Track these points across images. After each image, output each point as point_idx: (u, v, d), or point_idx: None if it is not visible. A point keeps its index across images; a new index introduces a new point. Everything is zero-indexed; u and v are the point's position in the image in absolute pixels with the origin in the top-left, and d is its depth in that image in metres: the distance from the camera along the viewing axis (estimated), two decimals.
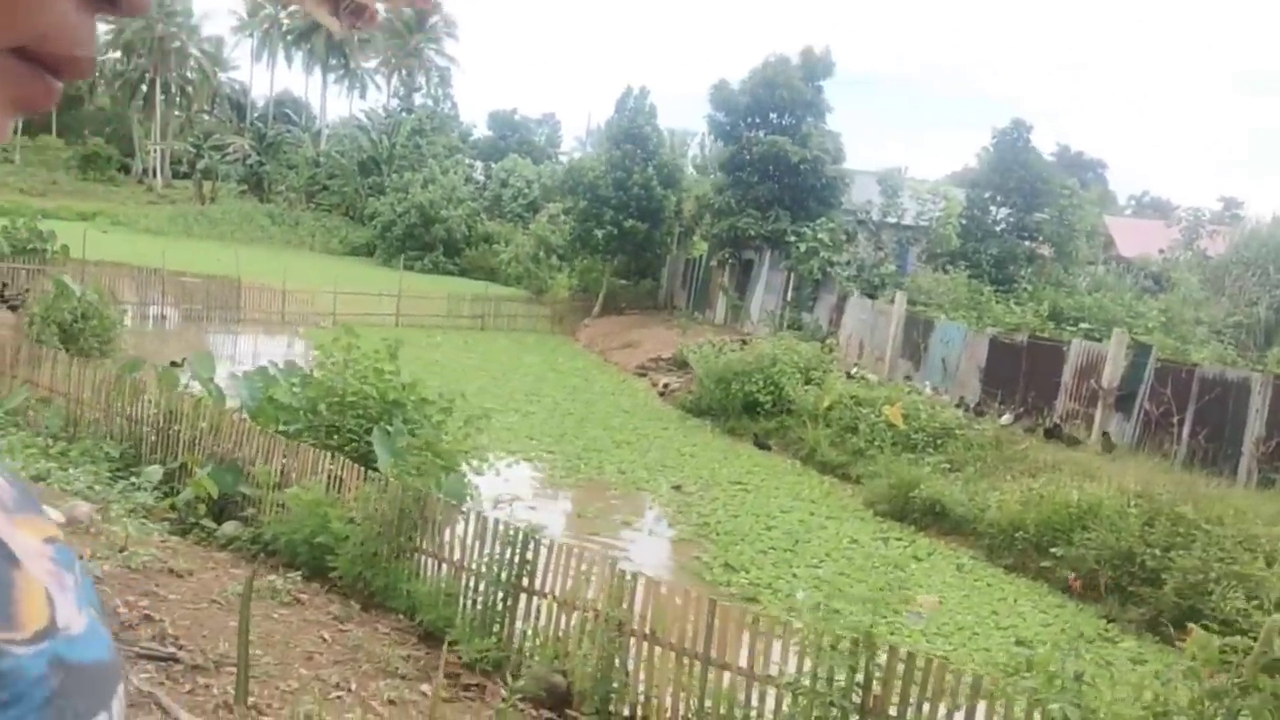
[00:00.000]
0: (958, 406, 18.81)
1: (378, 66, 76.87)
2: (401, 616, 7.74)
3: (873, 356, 23.25)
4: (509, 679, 7.00)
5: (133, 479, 9.63)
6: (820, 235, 25.70)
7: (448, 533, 7.87)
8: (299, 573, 7.96)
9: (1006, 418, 17.46)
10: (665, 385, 24.82)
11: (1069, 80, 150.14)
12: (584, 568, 7.15)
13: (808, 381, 20.55)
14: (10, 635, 0.41)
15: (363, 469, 8.58)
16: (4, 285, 23.63)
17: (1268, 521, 11.98)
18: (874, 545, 14.17)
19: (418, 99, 69.47)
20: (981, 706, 5.62)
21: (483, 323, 32.74)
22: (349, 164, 61.17)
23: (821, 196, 27.72)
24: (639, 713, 6.76)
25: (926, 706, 5.85)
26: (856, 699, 6.02)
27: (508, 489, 15.64)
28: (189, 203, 62.88)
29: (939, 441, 17.08)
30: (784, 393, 20.40)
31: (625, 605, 6.85)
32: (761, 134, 28.32)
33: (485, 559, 7.43)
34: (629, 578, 6.89)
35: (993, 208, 27.07)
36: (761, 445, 19.81)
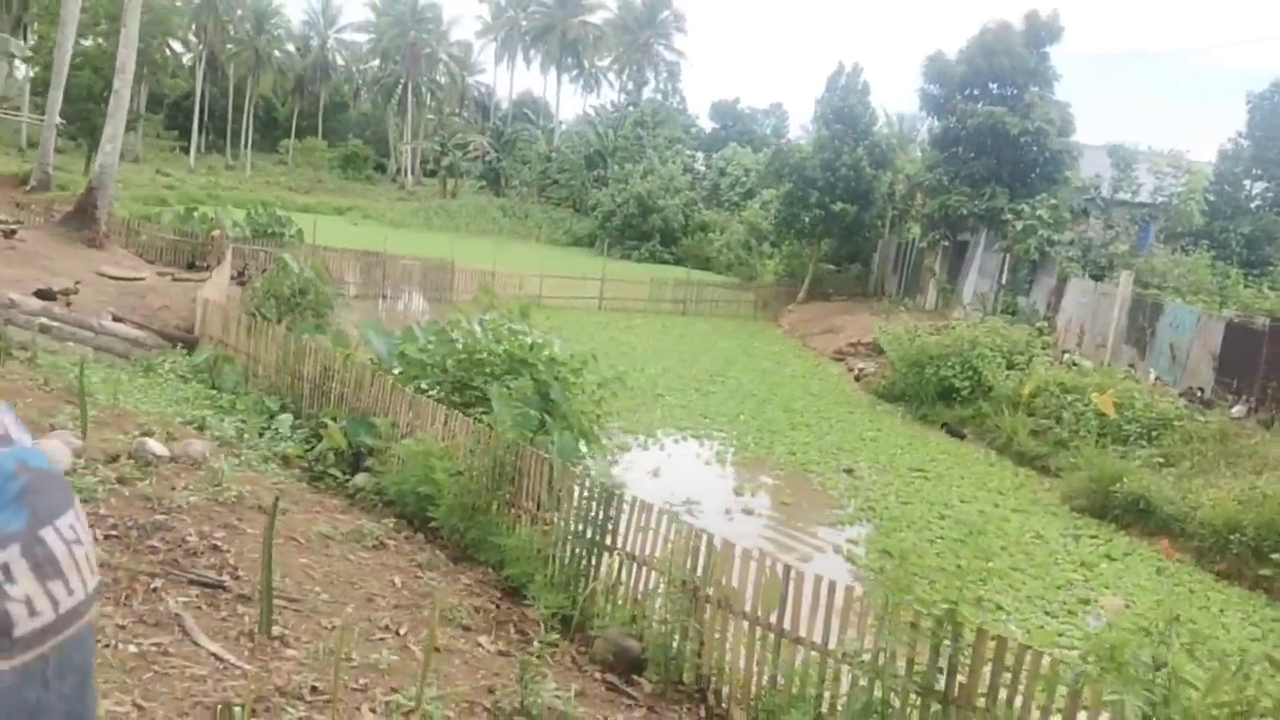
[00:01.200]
0: (1185, 397, 16.69)
1: (610, 64, 78.86)
2: (490, 570, 7.60)
3: (1093, 343, 21.13)
4: (590, 640, 6.70)
5: (276, 429, 10.08)
6: (1039, 212, 23.63)
7: (541, 489, 7.64)
8: (393, 520, 7.99)
9: (1238, 409, 15.28)
10: (861, 370, 23.73)
11: None
12: (665, 529, 6.70)
13: (1010, 367, 18.95)
14: None
15: (474, 423, 8.52)
16: (245, 265, 25.90)
17: None
18: (1061, 542, 12.76)
19: (646, 93, 70.73)
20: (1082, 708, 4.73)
21: (684, 308, 32.66)
22: (576, 158, 63.12)
23: (1045, 172, 25.51)
24: (711, 684, 6.25)
25: (1020, 700, 5.00)
26: (940, 685, 5.26)
27: (669, 463, 15.42)
28: (434, 199, 66.94)
29: (1154, 434, 15.20)
30: (982, 378, 18.92)
31: (701, 570, 6.36)
32: (978, 106, 26.43)
33: (568, 514, 7.14)
34: (705, 541, 6.38)
35: (1247, 181, 23.91)
36: (953, 433, 18.45)
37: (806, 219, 32.07)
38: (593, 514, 7.01)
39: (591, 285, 31.83)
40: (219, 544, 6.10)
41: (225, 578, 5.69)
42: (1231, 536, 11.69)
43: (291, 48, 78.21)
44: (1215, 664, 8.16)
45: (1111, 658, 3.82)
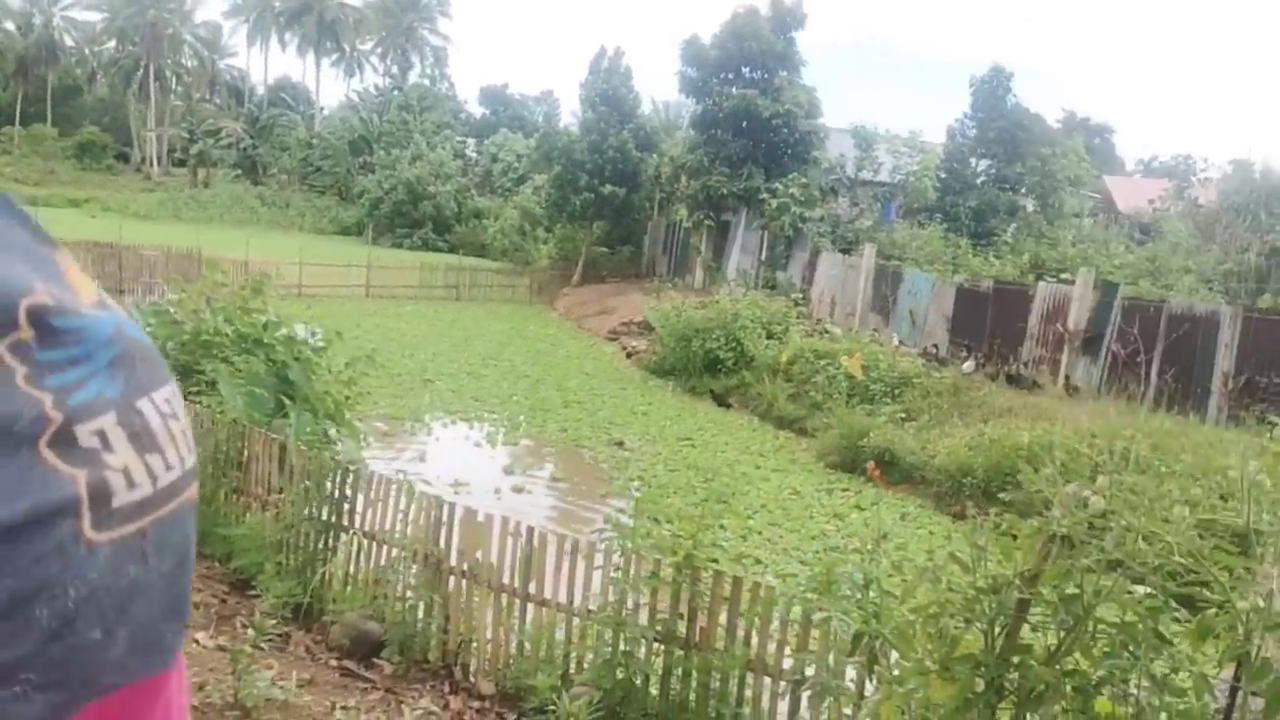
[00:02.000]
0: (924, 357, 17.92)
1: (373, 48, 76.09)
2: (217, 564, 7.00)
3: (844, 311, 22.35)
4: (326, 627, 6.27)
5: None
6: (792, 191, 24.73)
7: (272, 471, 7.10)
8: None
9: (968, 365, 16.56)
10: (633, 348, 24.03)
11: (1076, 44, 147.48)
12: (405, 503, 6.36)
13: (770, 337, 19.71)
14: (74, 299, 0.42)
15: (194, 406, 7.82)
16: None
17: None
18: (816, 496, 13.37)
19: (412, 78, 68.75)
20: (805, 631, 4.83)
21: (457, 294, 31.97)
22: (340, 144, 60.55)
23: (796, 152, 26.71)
24: (458, 658, 5.99)
25: (756, 637, 5.05)
26: (680, 631, 5.25)
27: (437, 447, 14.99)
28: (184, 189, 62.34)
29: (896, 391, 16.22)
30: (745, 349, 19.57)
31: (442, 541, 6.08)
32: (733, 89, 27.32)
33: (299, 494, 6.66)
34: (445, 511, 6.10)
35: (972, 159, 26.02)
36: (720, 402, 19.00)
37: (577, 202, 32.12)
38: (326, 493, 6.56)
39: (357, 273, 30.55)
40: None
41: None
42: (964, 480, 12.61)
43: (11, 25, 70.46)
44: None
45: (826, 581, 3.86)
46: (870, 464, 11.43)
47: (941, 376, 16.12)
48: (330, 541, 6.54)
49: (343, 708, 4.91)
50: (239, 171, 64.90)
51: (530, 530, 5.81)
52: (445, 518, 6.08)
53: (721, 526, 11.82)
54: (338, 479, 6.59)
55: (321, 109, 75.23)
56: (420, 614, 6.10)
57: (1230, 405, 13.37)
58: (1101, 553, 2.83)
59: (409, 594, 6.10)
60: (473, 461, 14.24)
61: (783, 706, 4.97)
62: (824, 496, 13.40)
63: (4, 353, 0.38)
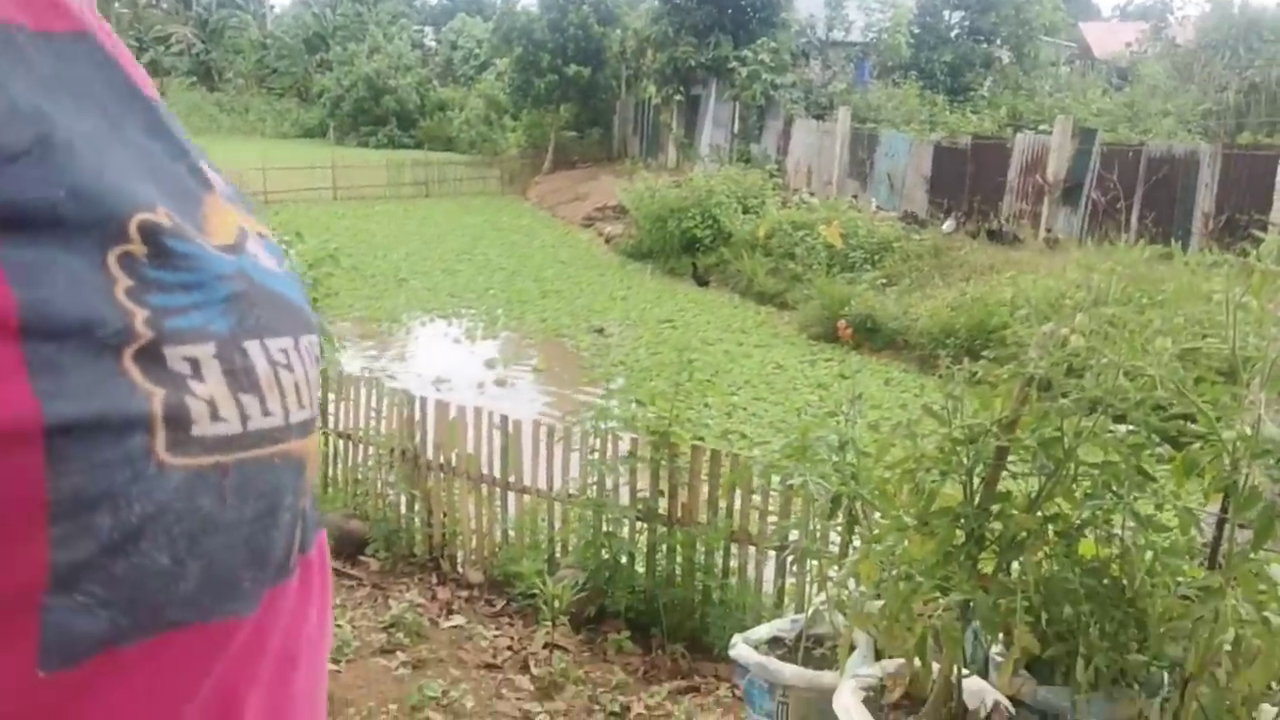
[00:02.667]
0: (903, 220, 17.68)
1: None
2: None
3: (821, 180, 21.95)
4: None
5: None
6: (761, 57, 23.96)
7: None
8: None
9: (948, 225, 16.35)
10: (609, 234, 23.66)
11: None
12: (377, 401, 6.22)
13: (746, 211, 19.39)
14: (199, 236, 0.42)
15: None
16: None
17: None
18: (800, 368, 13.32)
19: None
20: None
21: (427, 190, 31.29)
22: (295, 43, 58.49)
23: (763, 16, 25.75)
24: (444, 551, 5.96)
25: (738, 509, 5.00)
26: (662, 509, 5.20)
27: (416, 346, 14.85)
28: None
29: (876, 257, 16.03)
30: (721, 226, 19.27)
31: (418, 436, 5.97)
32: None
33: None
34: (417, 406, 5.98)
35: (945, 12, 25.20)
36: (700, 282, 18.81)
37: (541, 85, 31.18)
38: None
39: (322, 175, 29.80)
40: None
41: None
42: (947, 341, 12.54)
43: None
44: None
45: (801, 447, 3.76)
46: (841, 324, 11.37)
47: (922, 239, 15.93)
48: None
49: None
50: (194, 79, 62.72)
51: (505, 419, 5.69)
52: (419, 412, 5.96)
53: (706, 404, 11.83)
54: None
55: (272, 7, 72.26)
56: (402, 510, 6.05)
57: (1211, 245, 13.23)
58: (1081, 392, 2.71)
59: (389, 491, 6.03)
60: (453, 358, 14.13)
61: (768, 573, 4.96)
62: (807, 368, 13.36)
63: (111, 263, 0.38)
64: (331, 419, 6.40)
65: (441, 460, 5.90)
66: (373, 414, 6.15)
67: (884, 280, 15.24)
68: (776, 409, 11.64)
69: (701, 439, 10.72)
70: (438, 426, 5.92)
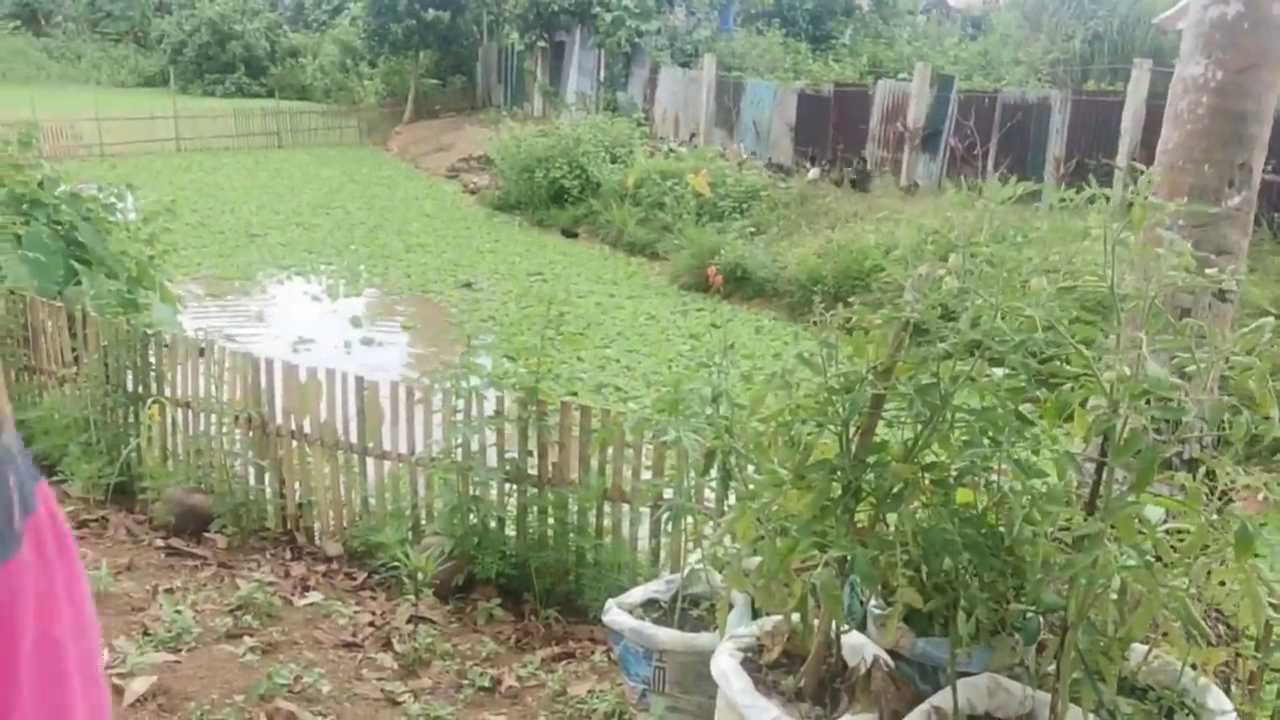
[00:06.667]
0: (770, 168, 17.72)
1: None
2: None
3: (688, 129, 21.82)
4: (150, 505, 5.73)
5: None
6: (625, 3, 23.53)
7: (63, 347, 6.32)
8: None
9: (813, 172, 16.47)
10: (475, 185, 23.01)
11: None
12: (224, 364, 5.74)
13: (614, 161, 19.10)
14: None
15: None
16: None
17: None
18: (671, 319, 13.24)
19: None
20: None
21: (279, 140, 29.74)
22: None
23: None
24: (300, 522, 5.59)
25: (610, 467, 4.80)
26: (532, 469, 4.96)
27: (273, 305, 14.09)
28: None
29: (745, 206, 16.04)
30: (589, 176, 18.94)
31: (265, 402, 5.54)
32: None
33: (96, 366, 5.95)
34: (263, 369, 5.54)
35: None
36: (569, 234, 18.50)
37: (399, 30, 29.93)
38: (125, 362, 5.88)
39: (164, 126, 27.92)
40: None
41: None
42: (815, 289, 12.64)
43: None
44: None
45: (673, 401, 3.58)
46: (711, 269, 11.31)
47: (788, 187, 16.01)
48: (138, 414, 5.90)
49: (166, 590, 4.47)
50: (18, 22, 57.79)
51: (360, 380, 5.33)
52: (265, 376, 5.53)
53: (579, 359, 11.61)
54: (138, 345, 5.89)
55: None
56: (251, 481, 5.63)
57: (1063, 189, 13.71)
58: (957, 335, 2.60)
59: (235, 462, 5.59)
60: (314, 317, 13.47)
61: (643, 531, 4.80)
62: (679, 318, 13.28)
63: None
64: (169, 386, 5.89)
65: (293, 427, 5.50)
66: (214, 380, 5.68)
67: (752, 229, 15.26)
68: (649, 360, 11.52)
69: (575, 394, 10.54)
70: (287, 391, 5.50)
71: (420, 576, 4.26)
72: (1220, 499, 2.54)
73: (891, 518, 2.78)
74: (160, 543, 5.37)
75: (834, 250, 12.93)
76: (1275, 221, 11.21)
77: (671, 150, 19.48)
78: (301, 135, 30.31)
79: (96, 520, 5.65)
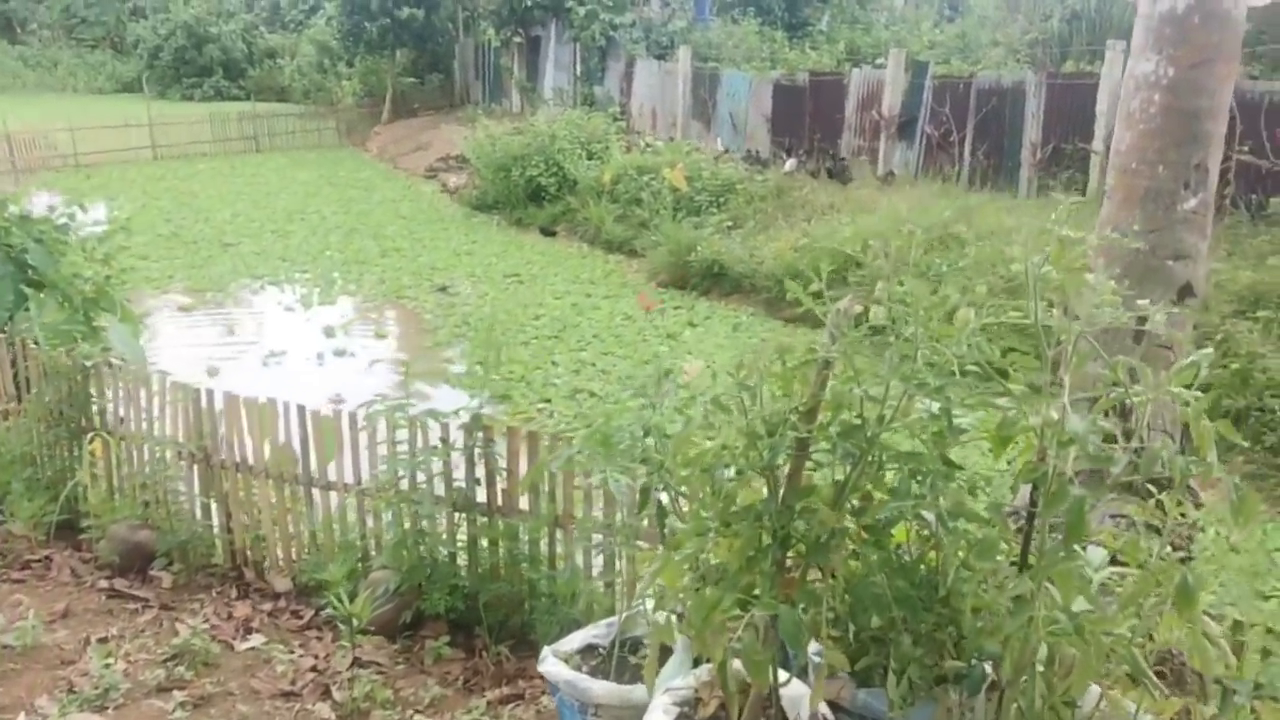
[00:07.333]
0: (747, 161, 17.52)
1: None
2: None
3: (665, 122, 21.60)
4: (94, 543, 5.55)
5: None
6: None
7: (4, 380, 6.13)
8: None
9: (790, 164, 16.27)
10: (453, 185, 22.77)
11: None
12: (164, 396, 5.56)
13: (590, 157, 18.88)
14: None
15: None
16: None
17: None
18: (649, 319, 13.04)
19: None
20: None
21: (256, 144, 29.44)
22: None
23: None
24: (249, 557, 5.41)
25: (561, 495, 4.63)
26: (481, 497, 4.79)
27: (246, 317, 13.89)
28: None
29: (721, 200, 15.85)
30: (566, 173, 18.72)
31: (209, 434, 5.36)
32: None
33: (36, 398, 5.76)
34: (206, 399, 5.36)
35: None
36: (546, 233, 18.29)
37: (374, 29, 29.61)
38: (64, 395, 5.69)
39: (139, 133, 27.59)
40: None
41: None
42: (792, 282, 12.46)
43: None
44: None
45: (603, 436, 3.40)
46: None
47: (765, 179, 15.82)
48: (80, 449, 5.72)
49: (100, 639, 4.30)
50: None
51: (303, 410, 5.15)
52: (206, 406, 5.35)
53: (553, 362, 11.44)
54: (78, 377, 5.71)
55: None
56: (197, 516, 5.46)
57: (1039, 175, 13.55)
58: (881, 375, 2.43)
59: (179, 497, 5.42)
60: (287, 327, 13.28)
61: (599, 560, 4.64)
62: (656, 317, 13.09)
63: None
64: (111, 416, 5.71)
65: (237, 459, 5.32)
66: (157, 411, 5.50)
67: (730, 223, 15.08)
68: (626, 362, 11.35)
69: (548, 400, 10.38)
70: (230, 421, 5.32)
71: (355, 623, 4.09)
72: (1173, 533, 2.38)
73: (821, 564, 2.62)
74: (104, 583, 5.20)
75: (810, 244, 12.75)
76: (1253, 204, 11.05)
77: (648, 145, 19.27)
78: (279, 139, 30.02)
79: (40, 561, 5.48)
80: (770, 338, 12.13)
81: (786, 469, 2.62)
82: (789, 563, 2.69)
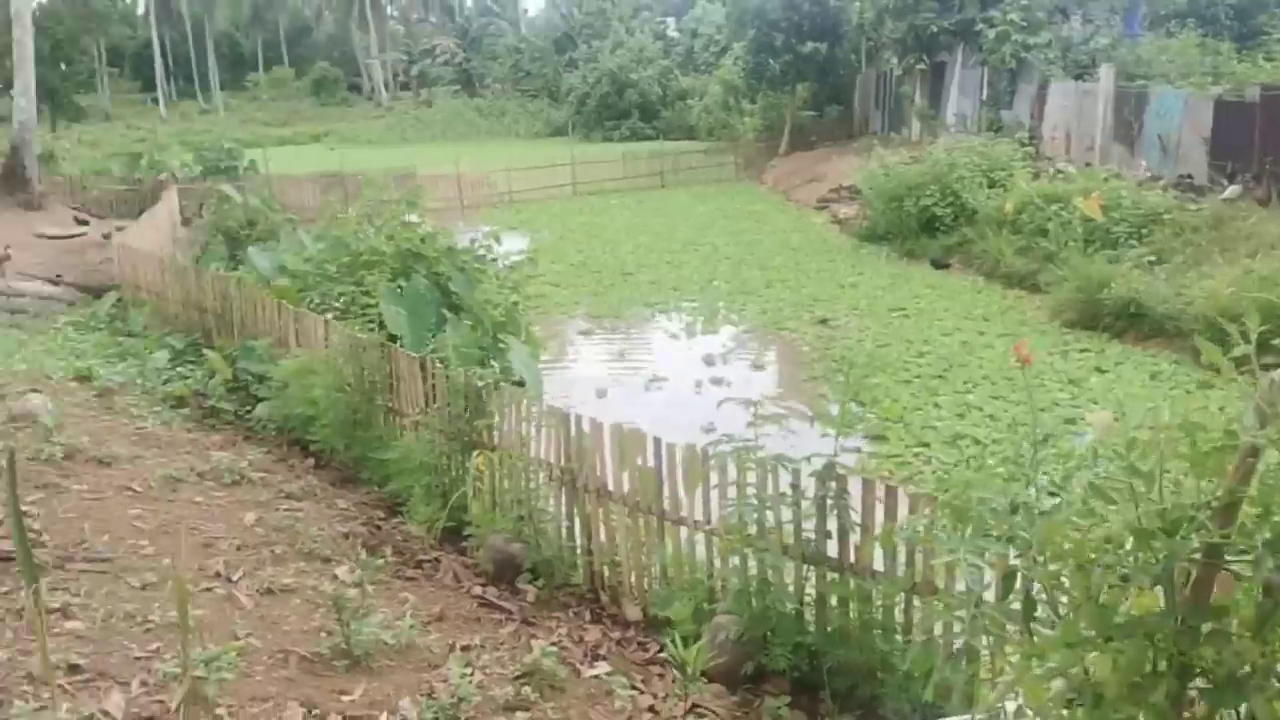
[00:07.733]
0: (1176, 187, 15.47)
1: None
2: (375, 489, 6.90)
3: (1082, 146, 19.75)
4: (473, 551, 6.01)
5: (179, 368, 9.36)
6: (1011, 16, 21.89)
7: (417, 394, 6.85)
8: (268, 450, 7.28)
9: (1232, 190, 14.09)
10: (843, 216, 22.55)
11: None
12: (543, 420, 5.89)
13: (992, 185, 17.74)
14: None
15: (347, 329, 7.70)
16: (200, 204, 24.81)
17: None
18: (1049, 360, 11.87)
19: None
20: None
21: (662, 180, 31.27)
22: (545, 44, 60.67)
23: None
24: (606, 579, 5.54)
25: (919, 558, 4.21)
26: (832, 553, 4.50)
27: (635, 342, 14.62)
28: (409, 111, 64.73)
29: (1143, 231, 14.10)
30: (964, 203, 17.75)
31: (576, 458, 5.58)
32: None
33: (439, 414, 6.35)
34: (574, 424, 5.57)
35: None
36: (938, 265, 17.43)
37: (776, 66, 30.34)
38: (458, 411, 6.21)
39: (562, 172, 30.49)
40: (28, 508, 5.39)
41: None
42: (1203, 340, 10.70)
43: None
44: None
45: (961, 508, 2.96)
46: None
47: (1198, 208, 13.84)
48: (466, 462, 6.21)
49: (464, 647, 4.56)
50: (457, 87, 66.67)
51: (658, 442, 5.17)
52: (575, 432, 5.56)
53: (935, 404, 10.76)
54: (471, 396, 6.21)
55: (525, 11, 75.62)
56: (562, 536, 5.69)
57: None
58: None
59: (547, 515, 5.68)
60: (671, 354, 13.79)
61: (959, 641, 4.12)
62: (1058, 360, 11.89)
63: None
64: (498, 435, 6.14)
65: (598, 484, 5.47)
66: (535, 433, 5.83)
67: (1152, 257, 13.35)
68: (1018, 408, 10.35)
69: (926, 445, 9.75)
70: (594, 447, 5.49)
71: (689, 670, 3.96)
72: None
73: (1237, 713, 2.03)
74: (478, 589, 5.56)
75: (1255, 283, 10.88)
76: None
77: (1059, 171, 17.71)
78: (683, 174, 31.65)
79: (430, 561, 5.99)
80: (1187, 400, 10.45)
81: (1191, 579, 2.07)
82: (1189, 696, 2.13)
